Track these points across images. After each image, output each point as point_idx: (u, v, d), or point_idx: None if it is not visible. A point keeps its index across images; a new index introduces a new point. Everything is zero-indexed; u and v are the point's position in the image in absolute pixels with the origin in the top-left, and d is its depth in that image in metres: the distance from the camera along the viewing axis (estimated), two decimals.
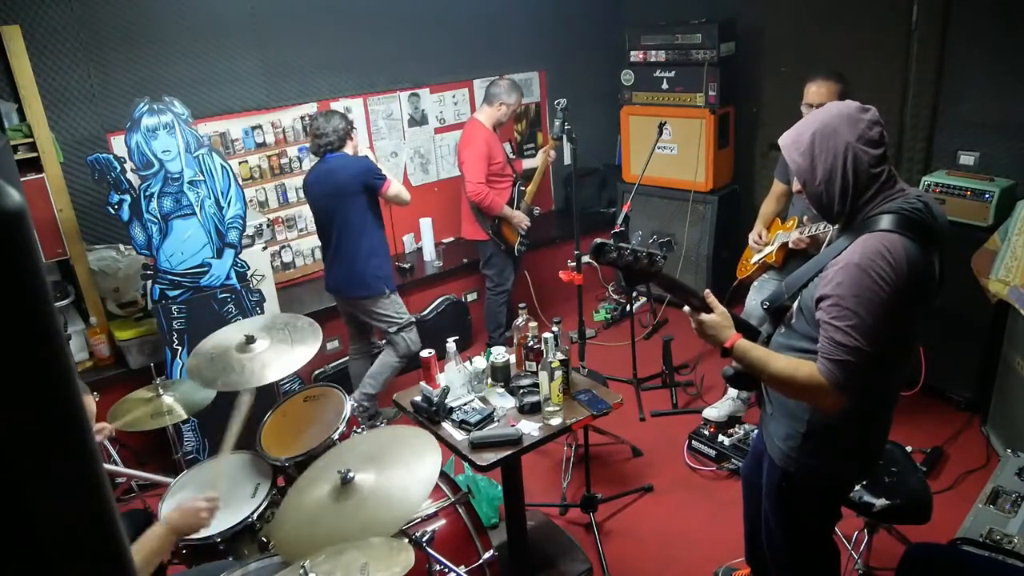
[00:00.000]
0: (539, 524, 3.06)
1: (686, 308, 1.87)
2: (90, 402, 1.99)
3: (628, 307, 4.85)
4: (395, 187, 3.57)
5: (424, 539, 2.00)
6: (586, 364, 3.70)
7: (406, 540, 1.87)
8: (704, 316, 1.84)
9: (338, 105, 4.45)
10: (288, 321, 2.69)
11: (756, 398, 2.10)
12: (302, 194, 4.42)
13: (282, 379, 2.62)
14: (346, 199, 3.50)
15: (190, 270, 3.41)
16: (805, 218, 3.15)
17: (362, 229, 3.56)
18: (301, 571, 1.60)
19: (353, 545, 1.74)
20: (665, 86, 4.74)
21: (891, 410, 1.91)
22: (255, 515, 2.37)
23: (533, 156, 5.13)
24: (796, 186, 1.81)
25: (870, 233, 1.63)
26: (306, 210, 4.49)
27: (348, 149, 3.54)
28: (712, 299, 1.85)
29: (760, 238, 3.45)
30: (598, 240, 1.72)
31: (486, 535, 2.35)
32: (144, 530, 1.91)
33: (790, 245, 3.16)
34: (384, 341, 3.86)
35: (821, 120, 1.71)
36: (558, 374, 2.44)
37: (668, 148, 4.77)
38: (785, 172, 3.36)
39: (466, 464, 2.42)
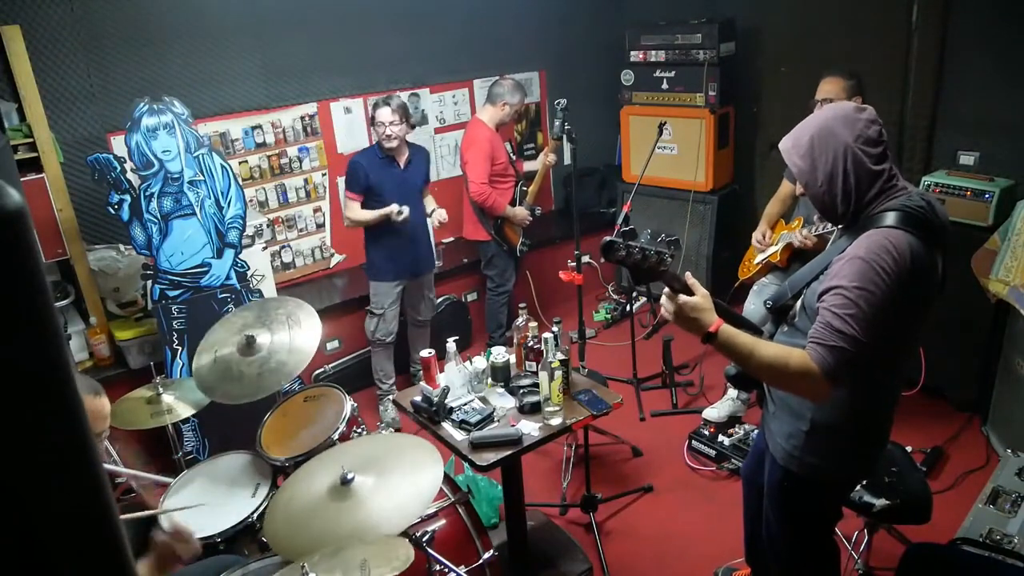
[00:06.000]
0: (539, 524, 3.06)
1: (665, 290, 1.73)
2: (102, 404, 1.91)
3: (628, 307, 4.85)
4: (344, 203, 3.81)
5: (424, 539, 2.00)
6: (586, 364, 3.69)
7: (406, 540, 1.86)
8: (684, 298, 1.69)
9: (338, 105, 4.46)
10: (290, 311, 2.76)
11: (757, 397, 2.09)
12: (302, 194, 4.46)
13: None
14: None
15: (190, 270, 3.41)
16: (816, 217, 3.10)
17: None
18: (302, 570, 1.60)
19: (350, 543, 1.74)
20: (665, 86, 4.74)
21: (892, 408, 1.91)
22: (255, 515, 2.37)
23: (534, 158, 5.12)
24: (800, 188, 1.81)
25: (875, 229, 1.64)
26: (306, 210, 4.51)
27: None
28: (693, 281, 1.73)
29: (764, 238, 3.44)
30: (607, 238, 1.63)
31: (486, 535, 2.35)
32: (148, 532, 1.91)
33: (796, 244, 3.15)
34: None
35: (818, 123, 1.71)
36: (558, 374, 2.44)
37: (668, 148, 4.76)
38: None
39: (466, 464, 2.42)
